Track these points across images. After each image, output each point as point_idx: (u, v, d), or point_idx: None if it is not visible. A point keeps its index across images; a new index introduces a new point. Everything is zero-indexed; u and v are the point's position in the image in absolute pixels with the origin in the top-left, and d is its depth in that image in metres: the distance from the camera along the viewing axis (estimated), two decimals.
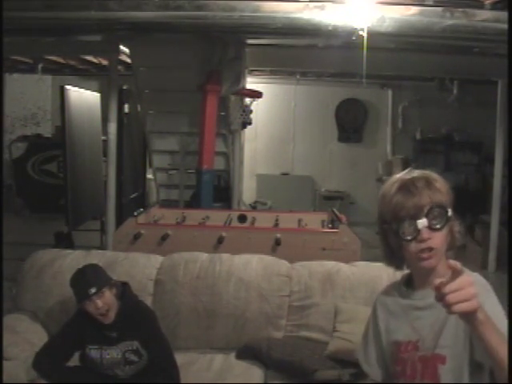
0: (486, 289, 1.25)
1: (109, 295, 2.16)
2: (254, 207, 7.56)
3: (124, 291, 2.28)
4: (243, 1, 3.70)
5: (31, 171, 8.19)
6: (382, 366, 1.43)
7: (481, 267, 6.02)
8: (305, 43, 5.41)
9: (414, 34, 3.74)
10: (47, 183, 8.11)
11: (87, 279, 2.14)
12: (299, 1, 3.69)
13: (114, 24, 3.89)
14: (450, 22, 3.57)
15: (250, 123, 6.20)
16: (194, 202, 5.31)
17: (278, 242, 3.30)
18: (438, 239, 1.25)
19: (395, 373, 1.35)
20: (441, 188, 1.28)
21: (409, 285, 1.39)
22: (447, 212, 1.24)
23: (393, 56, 5.51)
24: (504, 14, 3.46)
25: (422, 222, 1.23)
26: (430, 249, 1.24)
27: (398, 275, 2.83)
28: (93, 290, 2.10)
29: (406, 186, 1.27)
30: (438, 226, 1.23)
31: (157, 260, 2.83)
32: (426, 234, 1.23)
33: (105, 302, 2.13)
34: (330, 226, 3.75)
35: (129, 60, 5.54)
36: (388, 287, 1.48)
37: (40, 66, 7.30)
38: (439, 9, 3.60)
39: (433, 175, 1.31)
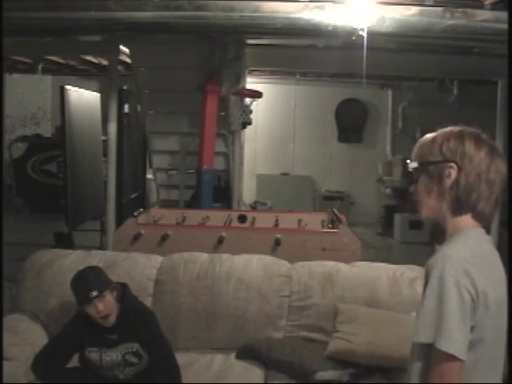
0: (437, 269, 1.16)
1: (110, 298, 2.15)
2: (253, 207, 7.56)
3: (124, 293, 2.26)
4: (243, 1, 3.70)
5: (31, 171, 8.19)
6: None
7: None
8: (305, 43, 5.41)
9: (414, 34, 3.75)
10: (47, 183, 8.11)
11: (88, 282, 2.12)
12: (299, 1, 3.69)
13: (114, 24, 3.89)
14: (450, 22, 3.57)
15: (249, 123, 6.19)
16: (194, 202, 5.31)
17: (278, 242, 3.30)
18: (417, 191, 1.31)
19: None
20: (423, 146, 1.30)
21: None
22: (407, 166, 1.32)
23: (393, 56, 5.51)
24: (504, 14, 3.46)
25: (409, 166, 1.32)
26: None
27: (398, 275, 2.84)
28: (94, 294, 2.08)
29: None
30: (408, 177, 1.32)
31: (157, 260, 2.83)
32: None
33: (106, 306, 2.11)
34: (329, 226, 3.75)
35: (129, 60, 5.54)
36: None
37: (40, 66, 7.30)
38: (439, 9, 3.60)
39: (438, 135, 1.29)
